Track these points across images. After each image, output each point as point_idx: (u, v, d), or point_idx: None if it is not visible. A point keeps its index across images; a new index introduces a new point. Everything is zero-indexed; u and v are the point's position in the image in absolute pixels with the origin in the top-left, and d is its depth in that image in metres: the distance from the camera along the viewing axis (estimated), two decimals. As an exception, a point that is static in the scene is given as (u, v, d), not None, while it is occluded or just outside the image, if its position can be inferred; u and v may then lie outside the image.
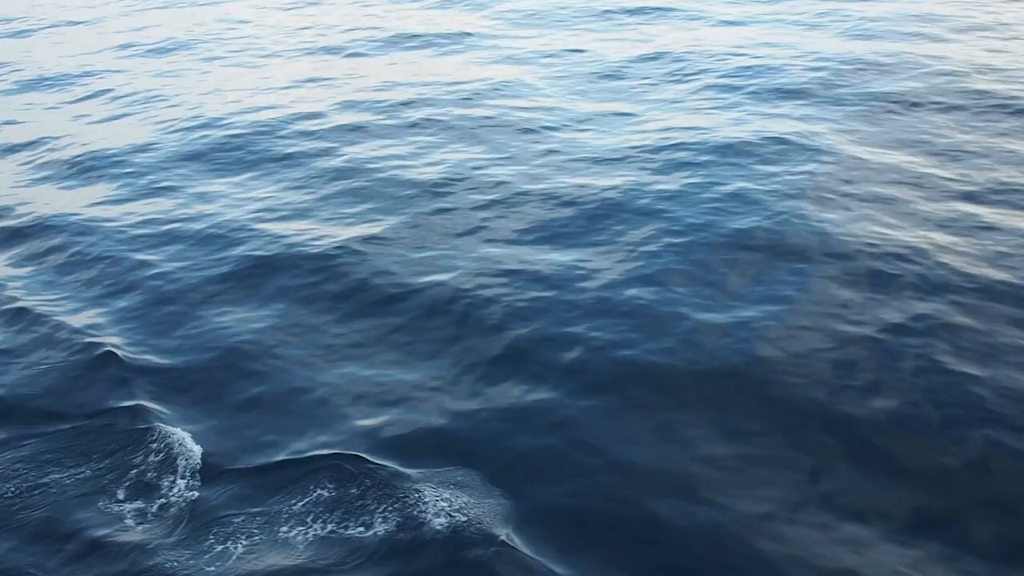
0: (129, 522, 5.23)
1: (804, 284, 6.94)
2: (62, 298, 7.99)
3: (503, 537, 4.78)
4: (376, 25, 17.17)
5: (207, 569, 4.80)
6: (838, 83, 11.22)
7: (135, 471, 5.65)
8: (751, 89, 11.30)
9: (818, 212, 7.95)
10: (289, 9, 20.14)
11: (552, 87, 12.26)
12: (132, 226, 9.29)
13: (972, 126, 9.78)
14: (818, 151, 9.20)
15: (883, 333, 6.33)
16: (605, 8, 16.80)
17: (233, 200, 9.58)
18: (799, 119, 10.14)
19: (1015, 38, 12.81)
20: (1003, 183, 8.44)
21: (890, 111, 10.30)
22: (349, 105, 12.24)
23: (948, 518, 4.90)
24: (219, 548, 4.93)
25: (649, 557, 4.73)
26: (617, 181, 8.83)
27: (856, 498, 5.04)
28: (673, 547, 4.79)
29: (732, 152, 9.31)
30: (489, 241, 8.00)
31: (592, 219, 8.19)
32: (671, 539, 4.83)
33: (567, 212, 8.33)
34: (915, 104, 10.47)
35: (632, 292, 6.94)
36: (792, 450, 5.39)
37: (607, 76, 12.56)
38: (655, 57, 13.16)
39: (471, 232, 8.21)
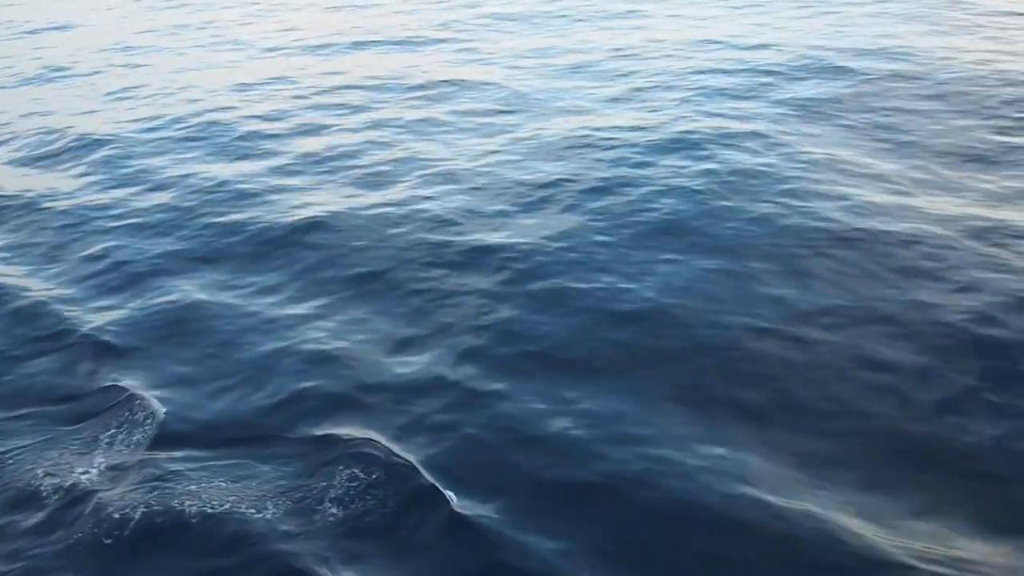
0: (88, 478, 5.47)
1: (719, 274, 7.14)
2: (27, 274, 8.40)
3: (419, 487, 5.11)
4: (353, 28, 17.62)
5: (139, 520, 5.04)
6: (783, 83, 11.54)
7: (95, 431, 5.96)
8: (702, 88, 11.64)
9: (745, 204, 8.19)
10: (271, 13, 20.59)
11: (513, 86, 12.62)
12: (95, 207, 9.77)
13: (914, 122, 10.03)
14: (755, 146, 9.47)
15: (789, 321, 6.48)
16: (578, 17, 17.19)
17: (191, 186, 10.00)
18: (741, 117, 10.43)
19: (976, 38, 13.08)
20: (933, 174, 8.68)
21: (834, 109, 10.56)
22: (313, 101, 12.71)
23: (817, 478, 5.09)
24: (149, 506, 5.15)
25: (548, 499, 5.06)
26: (554, 175, 9.15)
27: (737, 461, 5.23)
28: (568, 490, 5.12)
29: (673, 147, 9.62)
30: (425, 228, 8.32)
31: (524, 208, 8.50)
32: (567, 486, 5.16)
33: (499, 203, 8.65)
34: (861, 106, 10.72)
35: (547, 279, 7.21)
36: (685, 419, 5.61)
37: (568, 75, 12.95)
38: (617, 57, 13.57)
39: (411, 218, 8.53)
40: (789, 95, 11.14)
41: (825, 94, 11.12)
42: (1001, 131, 9.64)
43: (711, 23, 15.35)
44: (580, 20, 16.92)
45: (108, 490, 5.34)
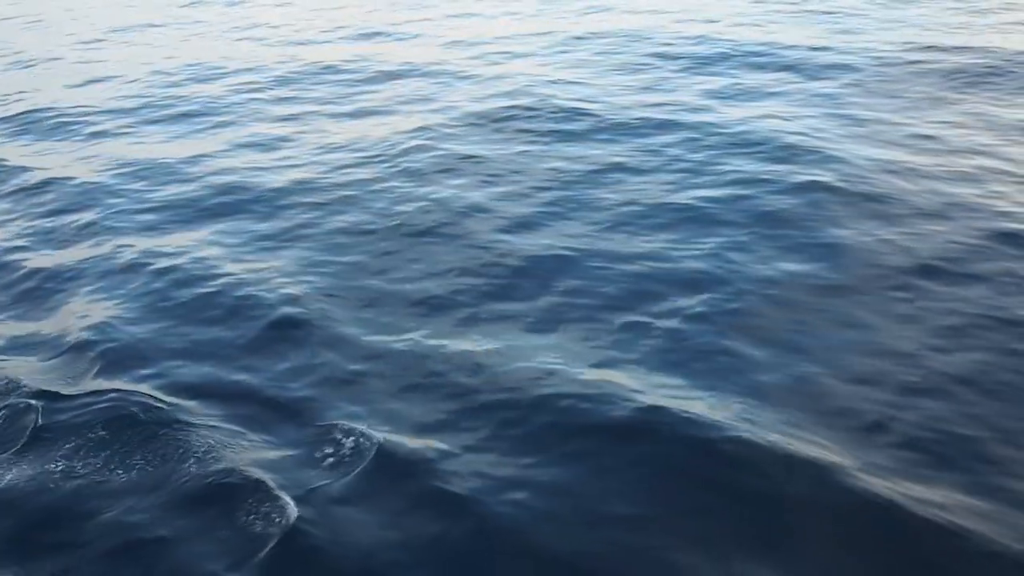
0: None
1: (610, 241, 7.58)
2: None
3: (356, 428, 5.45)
4: (316, 23, 18.22)
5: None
6: (713, 74, 12.09)
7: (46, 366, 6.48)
8: (637, 75, 12.24)
9: (653, 187, 8.64)
10: (245, 7, 21.25)
11: (454, 70, 13.35)
12: (56, 180, 10.41)
13: (834, 111, 10.44)
14: (679, 132, 9.96)
15: (677, 270, 6.99)
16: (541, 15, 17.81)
17: (137, 163, 10.68)
18: (669, 106, 10.89)
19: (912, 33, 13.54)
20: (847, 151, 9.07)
21: (759, 96, 11.06)
22: (271, 94, 13.32)
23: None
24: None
25: (438, 421, 5.54)
26: (471, 154, 9.77)
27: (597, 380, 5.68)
28: (453, 410, 5.61)
29: (598, 130, 10.17)
30: (336, 200, 8.95)
31: (436, 186, 9.06)
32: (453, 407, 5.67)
33: (413, 180, 9.28)
34: (790, 97, 11.13)
35: (443, 241, 7.85)
36: (559, 350, 6.11)
37: (513, 60, 13.83)
38: (564, 46, 14.35)
39: (328, 194, 9.17)
40: (714, 85, 11.61)
41: (755, 83, 11.58)
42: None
43: (658, 16, 15.94)
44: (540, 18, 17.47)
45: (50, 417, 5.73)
